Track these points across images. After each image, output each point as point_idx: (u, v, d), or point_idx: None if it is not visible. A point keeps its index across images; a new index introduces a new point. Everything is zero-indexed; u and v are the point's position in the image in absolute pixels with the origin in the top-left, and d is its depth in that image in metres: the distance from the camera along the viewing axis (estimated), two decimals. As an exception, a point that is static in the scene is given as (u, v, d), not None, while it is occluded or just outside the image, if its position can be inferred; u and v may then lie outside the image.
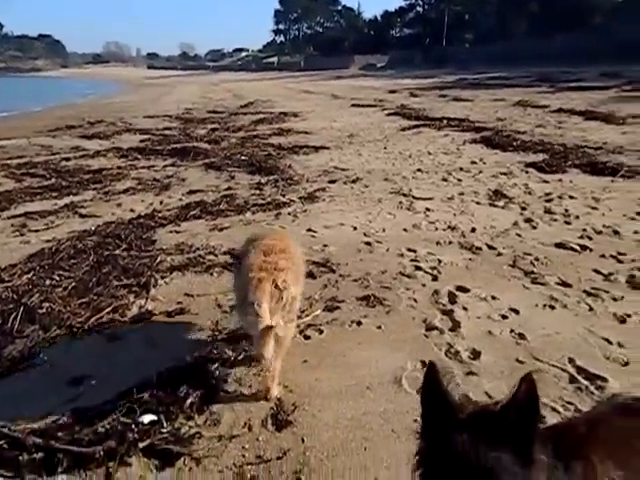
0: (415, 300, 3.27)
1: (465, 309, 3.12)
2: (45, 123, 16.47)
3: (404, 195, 5.81)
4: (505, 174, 6.66)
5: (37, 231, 4.90)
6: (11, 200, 6.04)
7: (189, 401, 2.22)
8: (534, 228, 4.59)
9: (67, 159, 8.90)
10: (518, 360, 2.58)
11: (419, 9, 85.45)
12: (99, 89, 48.38)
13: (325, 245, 4.27)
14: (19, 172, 7.75)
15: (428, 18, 79.48)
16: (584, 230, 4.46)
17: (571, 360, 2.55)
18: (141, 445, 1.96)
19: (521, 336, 2.80)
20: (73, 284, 3.41)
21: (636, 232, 4.36)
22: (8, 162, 8.56)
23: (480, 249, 4.11)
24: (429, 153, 8.46)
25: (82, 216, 5.38)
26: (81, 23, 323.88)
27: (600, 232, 4.41)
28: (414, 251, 4.10)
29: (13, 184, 7.03)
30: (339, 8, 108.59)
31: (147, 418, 2.12)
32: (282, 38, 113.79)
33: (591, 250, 4.02)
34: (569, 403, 2.26)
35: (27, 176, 7.53)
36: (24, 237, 4.74)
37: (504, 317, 3.02)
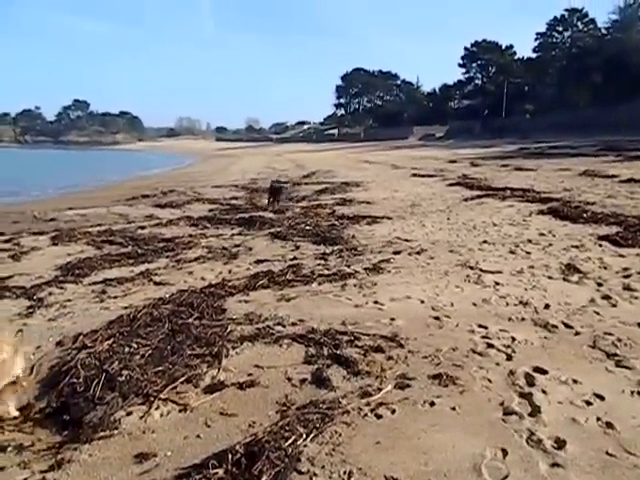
0: (490, 380, 3.15)
1: (544, 392, 2.96)
2: (122, 192, 17.70)
3: (471, 268, 5.72)
4: (577, 247, 6.46)
5: (115, 297, 5.15)
6: (92, 267, 6.41)
7: (263, 479, 2.20)
8: (613, 306, 4.37)
9: (142, 227, 9.43)
10: (608, 453, 2.40)
11: (477, 82, 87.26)
12: (171, 160, 51.73)
13: (392, 319, 4.22)
14: (99, 240, 8.26)
15: (487, 90, 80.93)
16: (669, 309, 4.21)
17: (669, 456, 2.35)
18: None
19: (609, 425, 2.62)
20: (150, 352, 3.52)
21: None
22: (90, 230, 9.17)
23: (556, 327, 3.95)
24: (494, 224, 8.37)
25: (156, 284, 5.61)
26: (157, 100, 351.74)
27: (688, 312, 4.14)
28: (485, 327, 3.99)
29: (94, 251, 7.49)
30: (398, 82, 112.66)
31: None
32: (343, 111, 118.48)
33: (679, 332, 3.77)
34: (670, 506, 2.07)
35: (106, 243, 8.00)
36: (103, 303, 4.98)
37: (588, 403, 2.84)
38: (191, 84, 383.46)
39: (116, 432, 2.70)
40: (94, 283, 5.73)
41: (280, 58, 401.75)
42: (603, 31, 68.15)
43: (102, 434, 2.67)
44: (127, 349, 3.53)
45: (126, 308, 4.65)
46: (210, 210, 11.78)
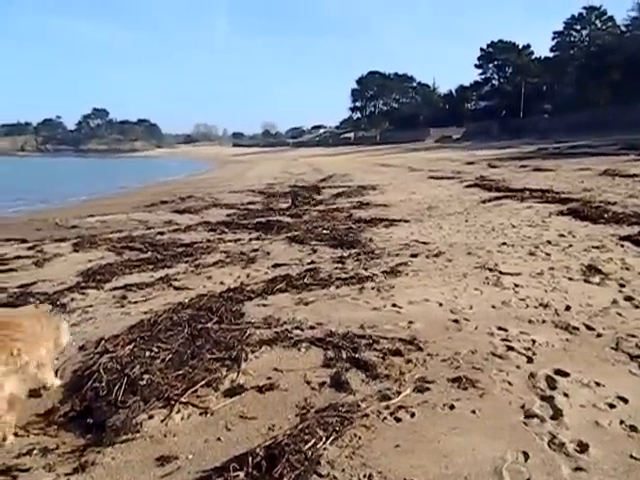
0: (510, 383, 3.12)
1: (566, 395, 2.93)
2: (141, 199, 17.91)
3: (490, 270, 5.68)
4: (598, 248, 6.37)
5: (136, 302, 5.22)
6: (113, 273, 6.49)
7: (283, 482, 2.21)
8: (636, 307, 4.30)
9: (161, 233, 9.53)
10: (632, 456, 2.36)
11: (494, 82, 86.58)
12: (188, 167, 52.26)
13: (411, 322, 4.21)
14: (119, 246, 8.37)
15: (504, 90, 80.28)
16: (694, 310, 4.13)
17: (695, 460, 2.31)
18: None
19: (633, 429, 2.58)
20: (170, 356, 3.56)
21: None
22: (110, 236, 9.30)
23: (577, 329, 3.90)
24: (513, 226, 8.29)
25: (176, 288, 5.67)
26: (174, 107, 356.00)
27: None
28: (505, 330, 3.95)
29: (114, 257, 7.59)
30: (414, 85, 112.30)
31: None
32: (359, 114, 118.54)
33: None
34: (698, 510, 2.03)
35: (126, 249, 8.10)
36: (124, 308, 5.05)
37: (611, 406, 2.80)
38: (207, 90, 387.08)
39: (138, 435, 2.74)
40: (115, 288, 5.81)
41: (295, 62, 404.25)
42: (622, 28, 67.18)
43: (124, 437, 2.71)
44: (148, 353, 3.58)
45: (146, 313, 4.70)
46: (228, 215, 11.86)
